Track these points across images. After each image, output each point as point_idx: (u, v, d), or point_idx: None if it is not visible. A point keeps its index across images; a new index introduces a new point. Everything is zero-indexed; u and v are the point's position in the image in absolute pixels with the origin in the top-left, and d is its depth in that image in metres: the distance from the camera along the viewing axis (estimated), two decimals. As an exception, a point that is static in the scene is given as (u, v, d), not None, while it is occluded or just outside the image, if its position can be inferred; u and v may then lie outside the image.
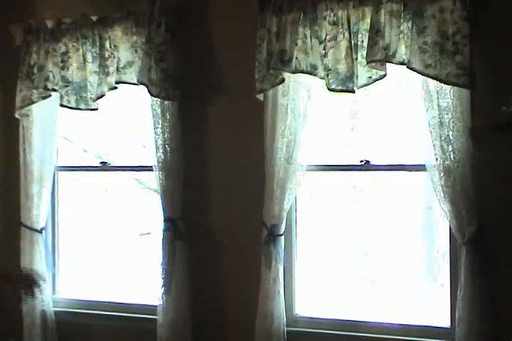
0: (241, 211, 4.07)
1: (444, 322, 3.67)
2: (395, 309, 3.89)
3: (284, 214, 3.82)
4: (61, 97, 4.31)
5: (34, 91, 4.38)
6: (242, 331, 3.99)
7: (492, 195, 3.48)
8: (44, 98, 4.38)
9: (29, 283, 3.50)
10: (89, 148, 4.67)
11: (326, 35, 3.61)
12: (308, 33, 3.65)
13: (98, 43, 4.21)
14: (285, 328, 3.87)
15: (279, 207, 3.80)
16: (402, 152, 3.83)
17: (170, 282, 4.04)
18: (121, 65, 4.18)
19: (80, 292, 4.61)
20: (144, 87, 4.04)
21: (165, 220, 4.10)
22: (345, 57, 3.57)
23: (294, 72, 3.69)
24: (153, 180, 4.16)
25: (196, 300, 4.10)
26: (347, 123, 3.97)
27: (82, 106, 4.29)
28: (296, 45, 3.66)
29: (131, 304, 4.39)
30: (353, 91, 3.58)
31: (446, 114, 3.45)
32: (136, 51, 4.14)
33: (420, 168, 3.61)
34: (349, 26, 3.56)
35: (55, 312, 4.53)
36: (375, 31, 3.45)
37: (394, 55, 3.44)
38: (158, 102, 4.07)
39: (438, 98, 3.46)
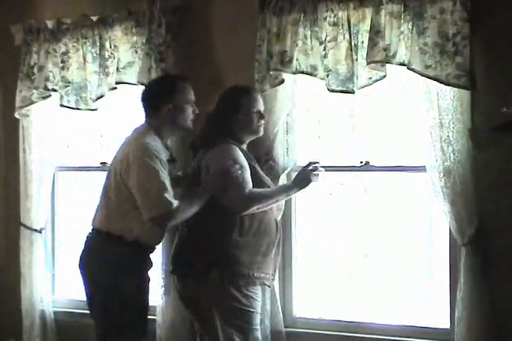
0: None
1: (444, 323, 3.67)
2: (395, 310, 3.89)
3: (280, 214, 3.81)
4: (61, 97, 4.31)
5: (34, 91, 4.39)
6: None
7: (492, 196, 3.48)
8: (44, 98, 4.38)
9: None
10: (88, 149, 4.67)
11: (327, 36, 3.61)
12: (308, 33, 3.65)
13: (98, 43, 4.21)
14: (283, 328, 3.88)
15: (277, 208, 3.79)
16: (402, 153, 3.82)
17: (169, 282, 4.03)
18: (122, 66, 4.18)
19: (79, 292, 4.59)
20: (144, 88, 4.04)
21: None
22: (345, 58, 3.57)
23: (294, 73, 3.69)
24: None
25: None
26: (347, 124, 3.97)
27: (82, 106, 4.29)
28: (297, 45, 3.66)
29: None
30: (353, 92, 3.58)
31: (447, 115, 3.45)
32: (136, 51, 4.14)
33: (420, 169, 3.61)
34: (349, 27, 3.56)
35: (55, 313, 4.54)
36: (375, 32, 3.45)
37: (394, 55, 3.44)
38: (158, 102, 4.07)
39: (438, 99, 3.45)
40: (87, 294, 3.45)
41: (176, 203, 3.17)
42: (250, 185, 3.27)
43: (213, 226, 3.26)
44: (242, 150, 3.35)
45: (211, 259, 3.22)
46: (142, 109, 3.46)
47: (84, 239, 3.47)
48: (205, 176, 3.28)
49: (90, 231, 3.46)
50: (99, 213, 3.42)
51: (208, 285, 3.22)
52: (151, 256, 3.49)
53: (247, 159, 3.33)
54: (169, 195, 3.17)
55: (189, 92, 3.43)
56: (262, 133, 3.49)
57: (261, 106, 3.46)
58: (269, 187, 3.40)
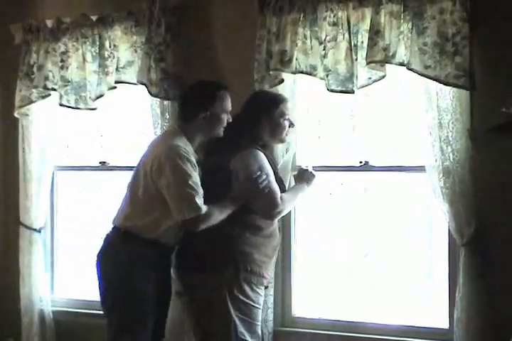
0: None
1: (443, 323, 3.67)
2: (394, 310, 3.89)
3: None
4: (60, 97, 4.30)
5: (34, 90, 4.38)
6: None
7: (491, 195, 3.48)
8: (43, 97, 4.37)
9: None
10: (88, 148, 4.66)
11: (326, 36, 3.61)
12: (308, 33, 3.65)
13: (98, 43, 4.21)
14: (283, 328, 3.88)
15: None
16: (401, 153, 3.82)
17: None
18: (121, 65, 4.17)
19: (78, 291, 4.61)
20: (144, 87, 4.04)
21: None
22: (345, 58, 3.57)
23: (293, 73, 3.69)
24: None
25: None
26: (347, 124, 3.97)
27: (82, 105, 4.28)
28: (296, 45, 3.66)
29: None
30: (353, 92, 3.58)
31: (446, 115, 3.45)
32: (135, 51, 4.14)
33: (420, 169, 3.61)
34: (349, 27, 3.56)
35: (53, 312, 4.53)
36: (375, 32, 3.45)
37: (394, 55, 3.44)
38: (158, 102, 4.07)
39: (438, 99, 3.46)
40: (100, 292, 3.41)
41: (204, 208, 3.18)
42: (279, 191, 3.32)
43: (228, 224, 3.26)
44: (267, 156, 3.37)
45: (226, 255, 3.24)
46: (178, 112, 3.49)
47: (104, 237, 3.45)
48: (236, 183, 3.29)
49: (110, 229, 3.45)
50: (122, 212, 3.42)
51: (222, 281, 3.22)
52: (171, 256, 3.44)
53: (271, 165, 3.36)
54: (199, 200, 3.18)
55: (227, 101, 3.41)
56: (286, 140, 3.57)
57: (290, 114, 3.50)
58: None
